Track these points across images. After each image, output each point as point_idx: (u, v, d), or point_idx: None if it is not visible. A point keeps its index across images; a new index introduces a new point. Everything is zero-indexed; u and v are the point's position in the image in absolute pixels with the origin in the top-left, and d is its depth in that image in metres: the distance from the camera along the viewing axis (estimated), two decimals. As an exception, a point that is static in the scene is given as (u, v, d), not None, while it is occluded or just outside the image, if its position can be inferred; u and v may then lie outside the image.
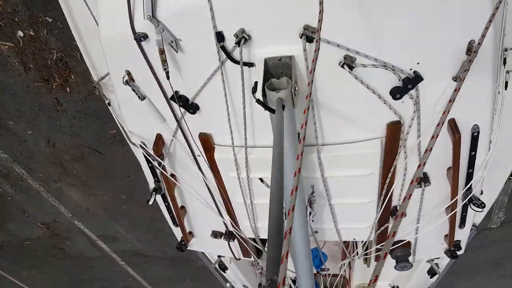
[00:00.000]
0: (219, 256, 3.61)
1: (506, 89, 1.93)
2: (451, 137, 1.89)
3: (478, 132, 1.87)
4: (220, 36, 1.64)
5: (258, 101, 1.56)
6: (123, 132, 2.27)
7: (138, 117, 2.16)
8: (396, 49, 1.60)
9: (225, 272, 4.00)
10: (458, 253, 2.63)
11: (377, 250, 2.62)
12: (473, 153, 1.96)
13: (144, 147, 2.22)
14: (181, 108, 1.96)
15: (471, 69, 1.59)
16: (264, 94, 1.58)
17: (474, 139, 1.89)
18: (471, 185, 2.10)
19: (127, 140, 2.26)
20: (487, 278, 7.18)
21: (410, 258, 2.66)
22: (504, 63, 1.82)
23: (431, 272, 3.58)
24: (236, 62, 1.70)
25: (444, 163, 2.07)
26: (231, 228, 2.68)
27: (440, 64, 1.64)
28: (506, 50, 1.78)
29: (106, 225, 7.41)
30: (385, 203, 2.21)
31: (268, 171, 2.14)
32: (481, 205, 2.14)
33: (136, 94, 1.95)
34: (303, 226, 1.98)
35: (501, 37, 1.64)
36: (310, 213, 2.20)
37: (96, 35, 1.87)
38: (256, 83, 1.62)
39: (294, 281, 3.78)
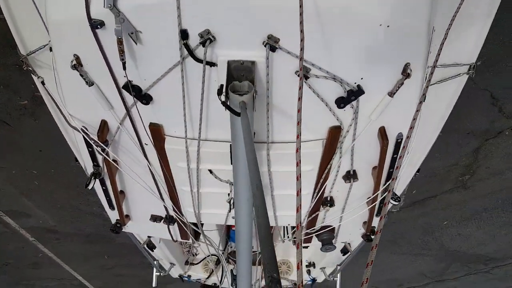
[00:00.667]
0: (148, 236, 3.64)
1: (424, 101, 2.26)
2: (380, 142, 2.16)
3: (402, 139, 2.17)
4: (184, 34, 1.65)
5: (223, 103, 1.63)
6: (62, 115, 2.16)
7: (81, 101, 2.07)
8: (345, 65, 1.77)
9: (153, 251, 4.05)
10: (372, 237, 3.04)
11: (307, 234, 2.90)
12: (395, 155, 2.27)
13: (86, 132, 2.14)
14: (133, 98, 1.94)
15: (402, 87, 1.85)
16: (226, 96, 1.64)
17: (397, 145, 2.20)
18: (390, 182, 2.42)
19: (67, 123, 2.15)
20: (386, 255, 8.19)
21: (334, 242, 3.00)
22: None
23: (344, 251, 4.04)
24: (198, 60, 1.73)
25: (370, 163, 2.36)
26: (172, 213, 2.74)
27: (379, 81, 1.86)
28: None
29: (14, 201, 6.83)
30: (318, 195, 2.46)
31: (217, 163, 2.28)
32: (398, 199, 2.51)
33: (84, 79, 1.87)
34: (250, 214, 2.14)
35: (427, 61, 1.90)
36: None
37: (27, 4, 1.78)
38: (222, 86, 1.68)
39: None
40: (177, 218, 2.77)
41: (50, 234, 7.68)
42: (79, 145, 2.31)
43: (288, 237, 3.08)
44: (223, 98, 1.65)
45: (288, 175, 2.31)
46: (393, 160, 2.33)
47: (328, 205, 2.64)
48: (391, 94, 1.88)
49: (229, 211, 2.50)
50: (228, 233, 4.38)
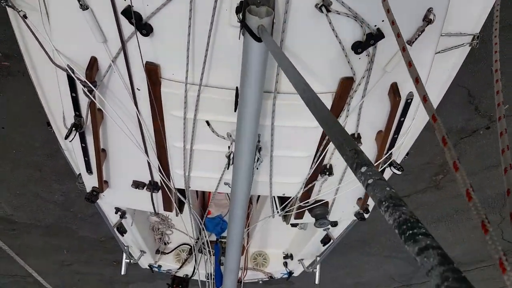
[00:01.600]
0: (121, 217, 3.37)
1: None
2: (391, 99, 2.06)
3: (412, 99, 2.09)
4: None
5: (242, 23, 1.47)
6: (45, 52, 1.92)
7: (69, 34, 1.85)
8: (367, 3, 1.67)
9: (123, 236, 3.78)
10: (365, 215, 2.92)
11: (299, 207, 2.75)
12: (402, 119, 2.17)
13: (72, 69, 1.91)
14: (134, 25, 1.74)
15: (421, 36, 1.76)
16: (243, 18, 1.49)
17: (407, 105, 2.10)
18: (392, 151, 2.33)
19: (51, 61, 1.91)
20: (356, 256, 8.18)
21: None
22: None
23: (324, 241, 3.91)
24: None
25: (375, 126, 2.26)
26: (157, 177, 2.52)
27: (400, 25, 1.76)
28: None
29: (-34, 184, 6.26)
30: (319, 159, 2.32)
31: (217, 113, 2.10)
32: (400, 168, 2.41)
33: (79, 1, 1.66)
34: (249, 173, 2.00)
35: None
36: (258, 159, 2.20)
37: None
38: (242, 2, 1.52)
39: None
40: (162, 184, 2.55)
41: (6, 224, 7.09)
42: (61, 90, 2.06)
43: (278, 212, 2.93)
44: (241, 17, 1.49)
45: (292, 132, 2.18)
46: (399, 124, 2.24)
47: (327, 173, 2.50)
48: (410, 42, 1.79)
49: (227, 167, 2.31)
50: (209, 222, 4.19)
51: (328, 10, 1.64)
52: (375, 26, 1.74)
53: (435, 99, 2.57)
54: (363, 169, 0.67)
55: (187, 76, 1.90)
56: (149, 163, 2.43)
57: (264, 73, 1.67)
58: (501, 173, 0.91)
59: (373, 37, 1.75)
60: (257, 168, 2.28)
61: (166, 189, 2.58)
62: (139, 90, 2.02)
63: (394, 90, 2.01)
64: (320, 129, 2.16)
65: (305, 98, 1.05)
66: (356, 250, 7.94)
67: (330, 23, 1.70)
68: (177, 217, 3.00)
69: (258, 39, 1.46)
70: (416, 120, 2.29)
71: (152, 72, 1.90)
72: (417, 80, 0.92)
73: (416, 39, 1.78)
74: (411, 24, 1.76)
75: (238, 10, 1.52)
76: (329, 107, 2.03)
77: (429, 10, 1.71)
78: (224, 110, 2.02)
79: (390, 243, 8.03)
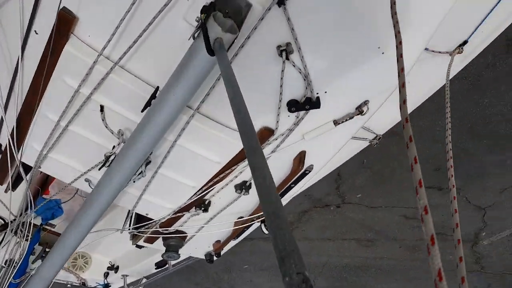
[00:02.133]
0: None
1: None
2: (294, 164, 2.05)
3: (310, 172, 2.10)
4: None
5: (202, 25, 1.29)
6: None
7: None
8: (322, 70, 1.64)
9: None
10: (215, 258, 2.85)
11: (155, 232, 2.48)
12: (293, 185, 2.17)
13: None
14: None
15: (347, 122, 1.80)
16: (205, 21, 1.30)
17: (303, 175, 2.11)
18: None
19: None
20: (182, 283, 8.00)
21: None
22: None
23: (159, 264, 3.67)
24: None
25: None
26: (4, 140, 1.95)
27: (337, 102, 1.77)
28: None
29: None
30: (203, 193, 2.14)
31: (118, 104, 1.73)
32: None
33: None
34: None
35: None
36: (140, 173, 1.88)
37: None
38: (212, 4, 1.32)
39: None
40: (7, 150, 1.98)
41: None
42: None
43: (129, 229, 2.56)
44: (203, 18, 1.30)
45: (191, 157, 1.97)
46: (288, 189, 2.24)
47: (202, 209, 2.32)
48: (336, 123, 1.82)
49: (99, 168, 1.91)
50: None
51: (287, 58, 1.56)
52: (317, 93, 1.71)
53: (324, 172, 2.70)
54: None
55: (105, 47, 1.54)
56: (2, 119, 1.88)
57: (197, 87, 1.49)
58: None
59: (310, 103, 1.72)
60: (134, 182, 1.98)
61: (9, 158, 2.01)
62: (36, 33, 1.54)
63: (300, 158, 2.00)
64: (220, 165, 2.00)
65: (241, 128, 0.94)
66: (181, 275, 7.76)
67: (282, 70, 1.61)
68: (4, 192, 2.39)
69: (211, 52, 1.31)
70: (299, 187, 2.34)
71: (64, 21, 1.47)
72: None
73: (342, 122, 1.81)
74: (344, 107, 1.78)
75: (203, 10, 1.33)
76: (237, 148, 1.92)
77: (365, 102, 1.74)
78: (129, 105, 1.72)
79: (215, 276, 8.11)
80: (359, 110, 1.77)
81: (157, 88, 1.65)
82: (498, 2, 2.14)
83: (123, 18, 1.47)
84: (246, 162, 2.00)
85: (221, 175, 2.06)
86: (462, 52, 2.37)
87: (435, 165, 5.58)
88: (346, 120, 1.80)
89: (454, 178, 1.42)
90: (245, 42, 1.52)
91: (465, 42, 2.35)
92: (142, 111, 1.68)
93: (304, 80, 1.65)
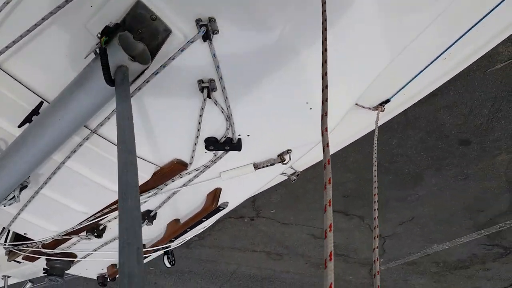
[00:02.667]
0: None
1: None
2: (207, 201, 1.97)
3: (224, 208, 2.05)
4: None
5: (101, 51, 1.09)
6: None
7: None
8: (246, 112, 1.57)
9: None
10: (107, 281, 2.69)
11: (34, 251, 2.26)
12: (204, 219, 2.10)
13: None
14: None
15: (267, 168, 1.76)
16: (106, 42, 1.12)
17: (216, 210, 2.04)
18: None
19: None
20: None
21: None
22: None
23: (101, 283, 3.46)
24: None
25: (176, 214, 2.13)
26: None
27: (258, 147, 1.71)
28: None
29: None
30: (96, 220, 2.00)
31: None
32: (173, 261, 2.35)
33: None
34: None
35: None
36: (13, 197, 1.64)
37: None
38: (117, 26, 1.15)
39: None
40: None
41: None
42: None
43: (5, 245, 2.31)
44: (103, 38, 1.12)
45: (84, 182, 1.80)
46: (198, 222, 2.13)
47: (95, 234, 2.13)
48: (256, 167, 1.76)
49: None
50: None
51: (209, 96, 1.45)
52: (239, 135, 1.64)
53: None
54: None
55: None
56: None
57: (90, 116, 1.33)
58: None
59: (231, 145, 1.64)
60: (5, 206, 1.73)
61: None
62: None
63: (215, 195, 1.94)
64: (115, 194, 1.87)
65: (122, 157, 0.84)
66: None
67: (202, 108, 1.50)
68: None
69: (110, 82, 1.12)
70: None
71: None
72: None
73: (262, 167, 1.76)
74: (266, 152, 1.73)
75: (105, 32, 1.14)
76: (146, 177, 1.79)
77: (288, 151, 1.71)
78: (5, 113, 1.51)
79: None
80: (281, 158, 1.73)
81: (41, 102, 1.45)
82: (419, 73, 2.27)
83: (6, 2, 1.22)
84: (150, 192, 1.88)
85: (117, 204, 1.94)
86: (383, 110, 2.45)
87: (344, 192, 5.95)
88: (267, 166, 1.75)
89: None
90: (159, 70, 1.35)
91: (387, 101, 2.45)
92: (20, 126, 1.47)
93: (227, 120, 1.56)
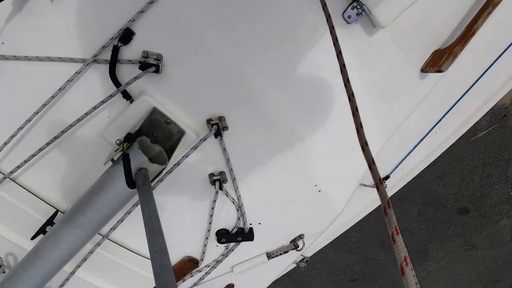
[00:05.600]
0: None
1: None
2: None
3: None
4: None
5: (125, 157, 1.11)
6: None
7: None
8: (257, 200, 1.57)
9: None
10: None
11: None
12: None
13: None
14: None
15: (281, 255, 1.71)
16: (126, 154, 1.14)
17: None
18: None
19: None
20: None
21: None
22: None
23: None
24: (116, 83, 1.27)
25: None
26: None
27: (270, 235, 1.68)
28: None
29: None
30: None
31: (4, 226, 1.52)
32: None
33: None
34: None
35: None
36: None
37: None
38: (139, 132, 1.22)
39: None
40: None
41: None
42: None
43: None
44: (125, 146, 1.15)
45: None
46: None
47: None
48: (270, 256, 1.71)
49: None
50: None
51: (220, 188, 1.48)
52: (250, 224, 1.62)
53: None
54: None
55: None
56: None
57: (108, 219, 1.30)
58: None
59: (243, 235, 1.62)
60: None
61: None
62: None
63: None
64: None
65: (157, 261, 0.83)
66: None
67: (214, 201, 1.51)
68: None
69: (132, 185, 1.12)
70: None
71: None
72: None
73: (276, 256, 1.70)
74: (279, 239, 1.69)
75: (127, 138, 1.18)
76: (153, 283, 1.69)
77: (300, 236, 1.68)
78: (16, 226, 1.49)
79: None
80: (294, 245, 1.69)
81: (56, 211, 1.45)
82: (414, 147, 2.34)
83: (21, 127, 1.32)
84: None
85: None
86: (386, 186, 2.51)
87: (351, 276, 5.69)
88: (280, 254, 1.70)
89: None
90: (173, 168, 1.41)
91: (387, 177, 2.47)
92: (33, 238, 1.44)
93: (237, 210, 1.57)
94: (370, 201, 2.50)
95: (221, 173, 1.47)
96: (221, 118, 1.36)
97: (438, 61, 1.50)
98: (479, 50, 1.74)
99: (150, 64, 1.24)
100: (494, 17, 1.49)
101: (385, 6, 1.30)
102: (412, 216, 5.39)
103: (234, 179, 1.48)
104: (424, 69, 1.55)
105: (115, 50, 1.23)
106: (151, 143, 1.26)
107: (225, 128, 1.37)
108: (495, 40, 1.78)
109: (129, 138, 1.17)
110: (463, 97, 1.94)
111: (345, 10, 1.36)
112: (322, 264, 5.44)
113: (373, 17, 1.34)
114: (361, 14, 1.34)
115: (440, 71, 1.47)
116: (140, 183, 1.10)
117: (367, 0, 1.30)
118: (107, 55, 1.25)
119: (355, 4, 1.33)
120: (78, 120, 1.28)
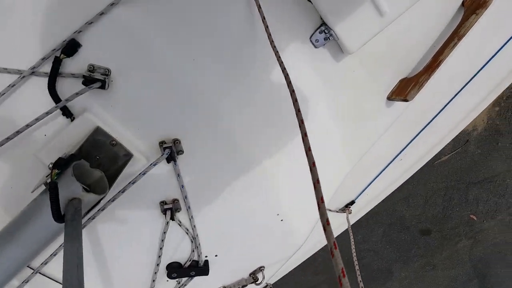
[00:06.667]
0: None
1: None
2: None
3: None
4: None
5: (51, 185, 0.96)
6: None
7: None
8: (210, 232, 1.48)
9: None
10: None
11: None
12: None
13: None
14: None
15: None
16: (57, 175, 1.01)
17: None
18: None
19: None
20: None
21: None
22: None
23: None
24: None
25: None
26: None
27: (227, 268, 1.59)
28: None
29: None
30: None
31: None
32: None
33: None
34: None
35: None
36: None
37: None
38: (72, 156, 1.07)
39: None
40: None
41: None
42: None
43: None
44: (52, 173, 1.01)
45: None
46: None
47: None
48: None
49: None
50: None
51: (172, 218, 1.37)
52: (206, 257, 1.52)
53: None
54: None
55: None
56: None
57: (41, 249, 1.14)
58: None
59: (197, 269, 1.51)
60: None
61: None
62: None
63: None
64: None
65: None
66: None
67: (164, 232, 1.39)
68: None
69: (60, 219, 0.97)
70: None
71: None
72: None
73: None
74: (237, 272, 1.61)
75: (57, 164, 1.03)
76: None
77: (261, 269, 1.60)
78: None
79: None
80: (253, 278, 1.61)
81: None
82: (379, 174, 2.31)
83: None
84: None
85: None
86: (351, 212, 2.44)
87: (316, 296, 5.63)
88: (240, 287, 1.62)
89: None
90: (117, 195, 1.27)
91: (352, 202, 2.44)
92: None
93: (192, 242, 1.46)
94: (337, 224, 2.46)
95: (174, 201, 1.36)
96: (175, 141, 1.26)
97: (404, 90, 1.48)
98: (445, 79, 1.74)
99: (95, 79, 1.12)
100: (460, 48, 1.49)
101: (353, 33, 1.26)
102: (378, 236, 5.41)
103: (189, 207, 1.37)
104: (391, 97, 1.52)
105: (56, 62, 1.10)
106: (91, 168, 1.12)
107: (180, 152, 1.26)
108: (461, 70, 1.79)
109: (59, 164, 1.02)
110: (429, 125, 1.94)
111: (312, 34, 1.31)
112: (289, 285, 5.35)
113: (340, 43, 1.29)
114: (329, 38, 1.30)
115: (406, 100, 1.44)
116: (69, 217, 0.95)
117: (335, 25, 1.25)
118: (48, 67, 1.13)
119: (323, 28, 1.29)
120: (8, 138, 1.12)
